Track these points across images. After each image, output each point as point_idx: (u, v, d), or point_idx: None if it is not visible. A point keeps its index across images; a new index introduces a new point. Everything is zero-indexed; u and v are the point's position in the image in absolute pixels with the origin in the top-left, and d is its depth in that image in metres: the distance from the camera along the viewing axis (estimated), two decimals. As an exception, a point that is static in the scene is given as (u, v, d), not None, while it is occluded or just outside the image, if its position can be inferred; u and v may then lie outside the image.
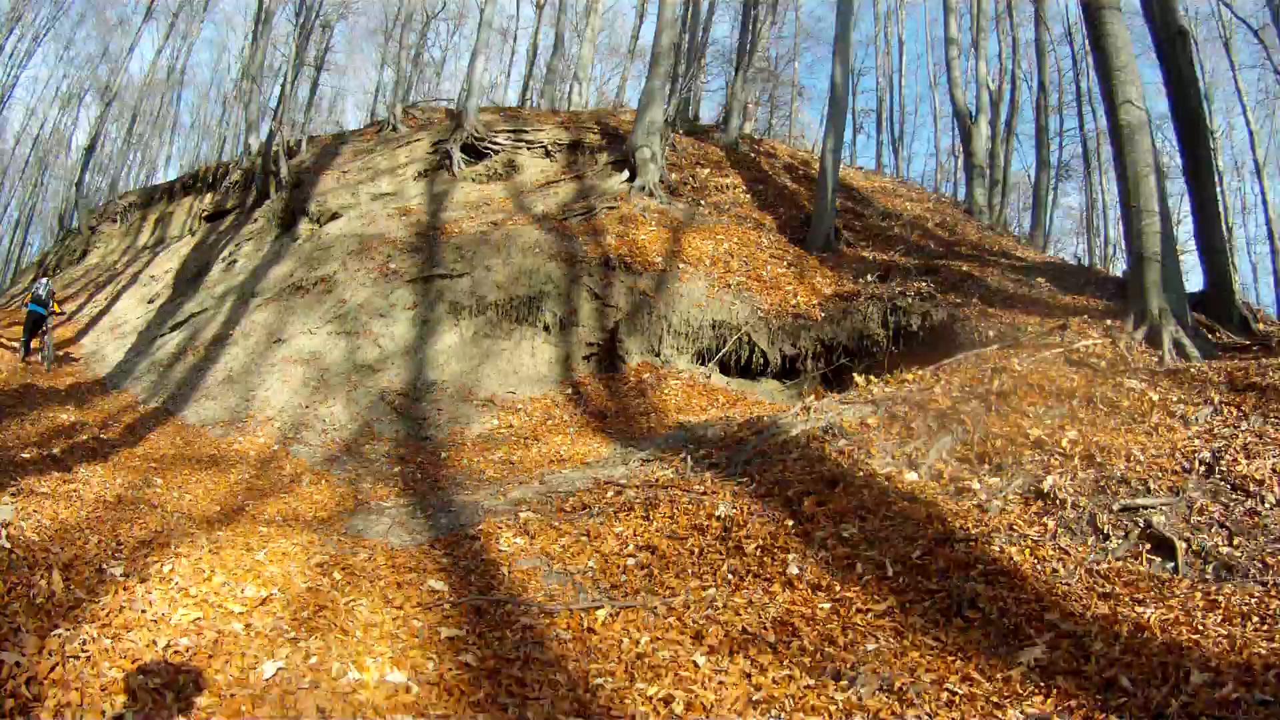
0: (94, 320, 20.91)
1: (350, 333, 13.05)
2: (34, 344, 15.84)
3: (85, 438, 10.33)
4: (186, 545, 5.86)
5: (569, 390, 12.39)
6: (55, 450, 9.33)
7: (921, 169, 56.72)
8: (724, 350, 12.63)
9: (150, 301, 20.37)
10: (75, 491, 7.77)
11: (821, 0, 41.84)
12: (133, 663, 4.07)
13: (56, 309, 16.50)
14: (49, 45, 60.63)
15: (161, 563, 5.41)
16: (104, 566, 5.26)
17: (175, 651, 4.28)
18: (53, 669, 3.87)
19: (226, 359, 13.70)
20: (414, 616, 5.24)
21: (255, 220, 19.94)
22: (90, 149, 36.03)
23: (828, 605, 5.10)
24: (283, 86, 25.34)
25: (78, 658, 4.01)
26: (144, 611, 4.65)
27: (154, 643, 4.32)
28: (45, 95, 69.50)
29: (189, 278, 19.82)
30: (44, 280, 17.07)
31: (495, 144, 19.51)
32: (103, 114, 37.11)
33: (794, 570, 5.55)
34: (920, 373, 8.81)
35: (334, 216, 17.72)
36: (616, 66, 47.68)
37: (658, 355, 12.76)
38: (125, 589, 4.90)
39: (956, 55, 24.28)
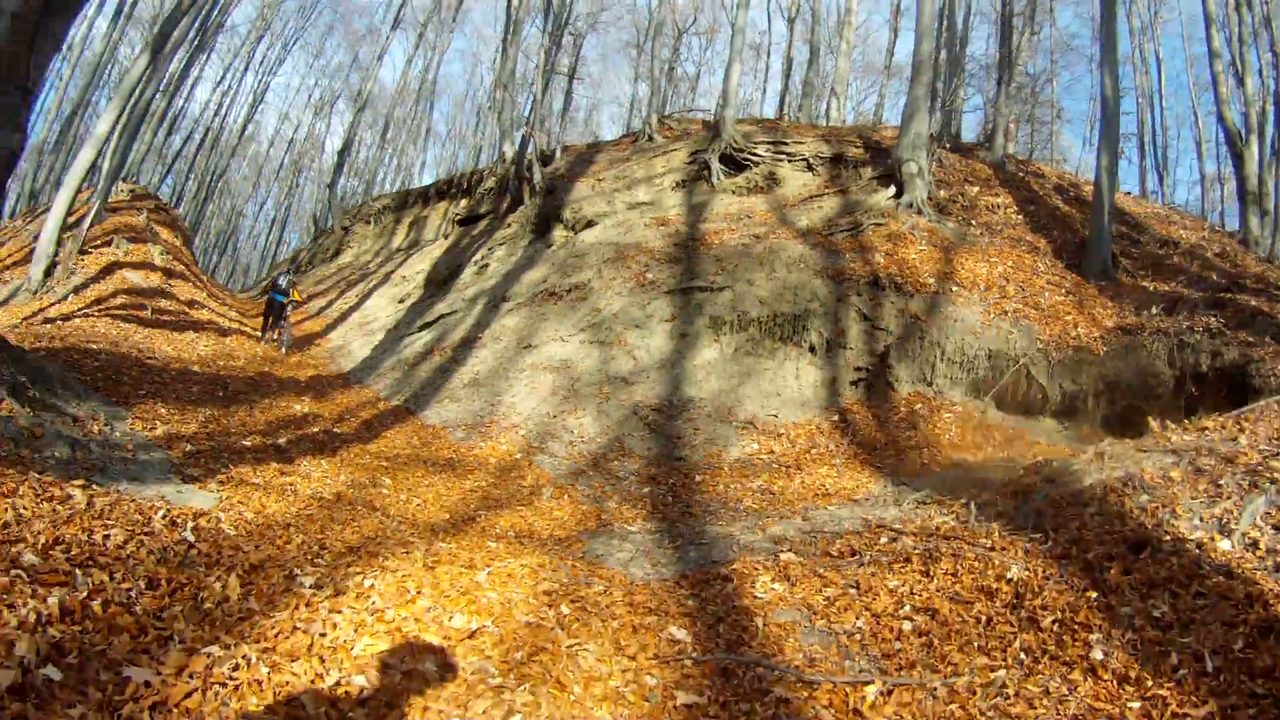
0: (343, 316, 23.31)
1: (604, 342, 13.94)
2: (273, 333, 18.55)
3: (316, 430, 11.21)
4: (398, 558, 5.80)
5: (834, 417, 12.60)
6: (281, 440, 10.00)
7: (1185, 197, 53.43)
8: (1001, 383, 12.46)
9: (400, 301, 22.40)
10: (291, 485, 8.19)
11: (1076, 15, 40.21)
12: (284, 702, 3.71)
13: (296, 297, 19.37)
14: (299, 54, 67.78)
15: (363, 575, 5.28)
16: (295, 573, 5.12)
17: (344, 692, 3.93)
18: (188, 696, 3.55)
19: (474, 362, 15.03)
20: (647, 671, 4.90)
21: (509, 225, 21.58)
22: (343, 152, 39.99)
23: (1137, 704, 4.47)
24: (535, 93, 27.21)
25: (223, 685, 3.69)
26: (322, 636, 4.37)
27: (320, 677, 4.00)
28: (298, 102, 77.56)
29: (440, 280, 21.67)
30: (285, 271, 20.37)
31: (754, 156, 20.11)
32: (355, 119, 41.05)
33: (1098, 655, 4.92)
34: (1220, 420, 8.26)
35: (589, 224, 18.93)
36: (872, 84, 48.00)
37: (929, 384, 12.77)
38: (309, 605, 4.68)
39: (1221, 70, 22.57)
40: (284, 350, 17.79)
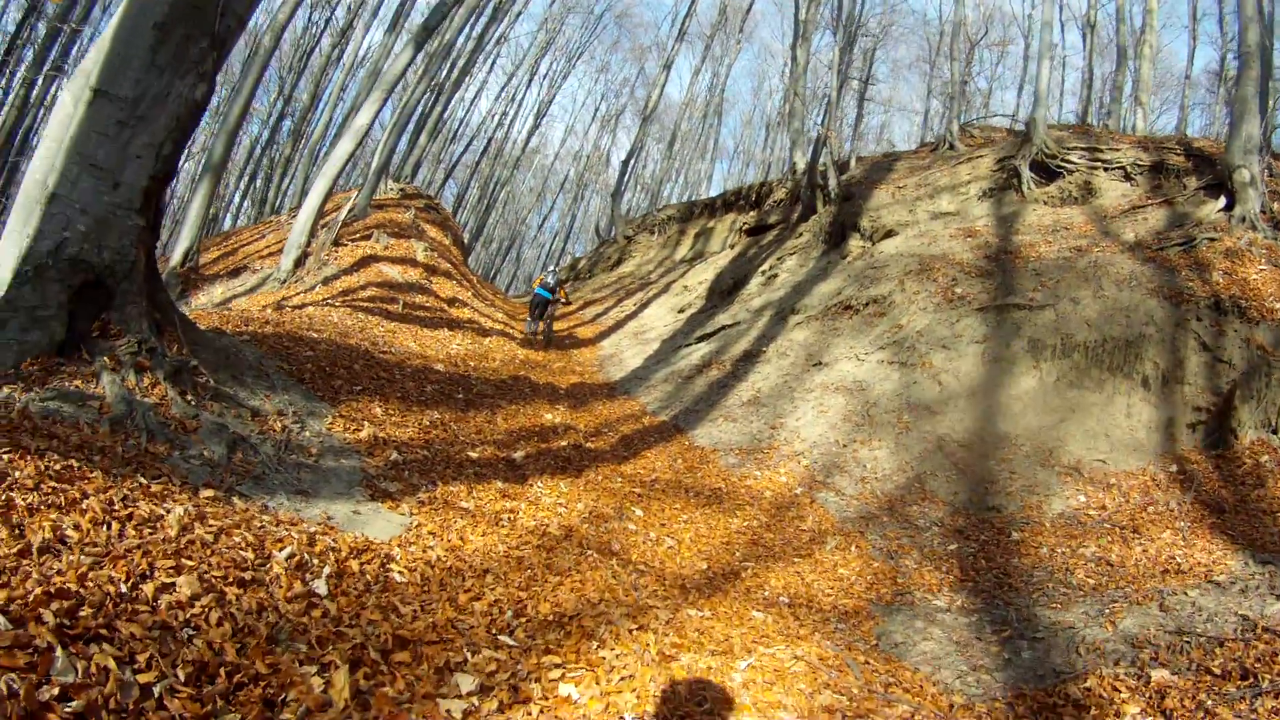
0: (618, 324, 23.24)
1: (905, 364, 12.72)
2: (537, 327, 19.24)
3: (564, 444, 10.24)
4: (622, 642, 4.48)
5: (1171, 466, 10.69)
6: (517, 453, 9.08)
7: None
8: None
9: (680, 311, 22.06)
10: (511, 513, 6.92)
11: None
12: None
13: (562, 295, 20.09)
14: (584, 68, 70.08)
15: (561, 671, 3.97)
16: (456, 663, 3.80)
17: None
18: None
19: (755, 378, 14.17)
20: None
21: (799, 235, 20.74)
22: (628, 161, 40.84)
23: None
24: (828, 96, 26.25)
25: None
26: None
27: None
28: (583, 116, 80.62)
29: (724, 290, 21.13)
30: (553, 268, 20.69)
31: (1067, 163, 18.18)
32: (640, 132, 41.69)
33: None
34: None
35: (888, 234, 17.73)
36: (1168, 99, 44.19)
37: (1275, 432, 10.69)
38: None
39: None
40: (548, 346, 18.91)
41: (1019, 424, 11.26)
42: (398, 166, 33.54)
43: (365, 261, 18.21)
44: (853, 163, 24.82)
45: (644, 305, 24.91)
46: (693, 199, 40.14)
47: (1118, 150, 18.35)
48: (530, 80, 54.16)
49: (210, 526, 4.12)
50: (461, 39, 36.09)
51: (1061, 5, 38.68)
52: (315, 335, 10.77)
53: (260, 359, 8.32)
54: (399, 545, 5.29)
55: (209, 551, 3.83)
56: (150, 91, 6.00)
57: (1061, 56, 42.16)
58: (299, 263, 16.79)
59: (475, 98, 51.12)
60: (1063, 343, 12.09)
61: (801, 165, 26.73)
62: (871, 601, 7.14)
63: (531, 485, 7.98)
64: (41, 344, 5.62)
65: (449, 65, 34.95)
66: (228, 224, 44.59)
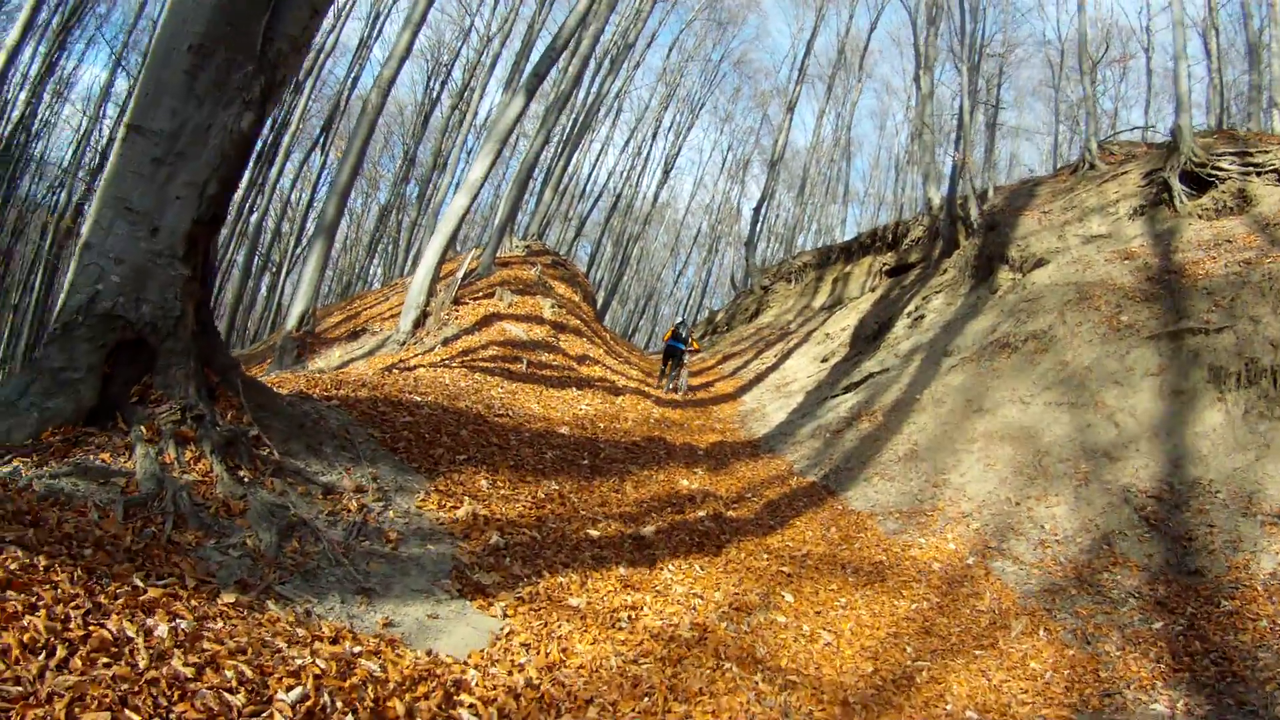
0: (759, 377, 22.75)
1: (1075, 404, 11.87)
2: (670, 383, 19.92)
3: (702, 514, 9.53)
4: None
5: (1401, 506, 9.66)
6: (646, 529, 8.30)
7: None
8: None
9: (823, 360, 21.51)
10: (632, 609, 6.08)
11: None
12: None
13: (695, 345, 20.55)
14: (708, 119, 70.81)
15: None
16: None
17: None
18: None
19: (910, 429, 13.50)
20: None
21: (944, 271, 20.00)
22: (759, 208, 40.69)
23: None
24: (960, 117, 25.42)
25: None
26: None
27: None
28: (711, 167, 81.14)
29: (868, 335, 20.51)
30: (682, 318, 22.20)
31: (1219, 171, 16.95)
32: (769, 179, 41.41)
33: None
34: None
35: (1039, 263, 16.85)
36: None
37: None
38: None
39: None
40: (679, 394, 19.50)
41: (1210, 466, 10.22)
42: (525, 225, 34.08)
43: (487, 320, 17.88)
44: (990, 192, 24.01)
45: (785, 356, 24.39)
46: (828, 244, 39.43)
47: (1269, 152, 17.08)
48: (655, 134, 54.97)
49: (203, 652, 3.19)
50: (583, 92, 36.81)
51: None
52: (418, 399, 10.12)
53: (346, 426, 7.64)
54: (478, 665, 4.49)
55: (177, 694, 2.86)
56: (190, 124, 5.50)
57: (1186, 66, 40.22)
58: (418, 323, 16.71)
59: (601, 152, 52.02)
60: (1247, 369, 11.05)
61: (937, 200, 25.97)
62: (1076, 708, 6.09)
63: (661, 569, 7.24)
64: (67, 411, 5.06)
65: (570, 118, 35.55)
66: (357, 289, 46.20)
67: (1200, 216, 16.28)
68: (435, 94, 44.37)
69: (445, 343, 16.10)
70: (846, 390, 17.18)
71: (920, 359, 16.10)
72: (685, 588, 6.98)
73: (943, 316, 17.82)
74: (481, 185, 17.66)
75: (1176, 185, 17.01)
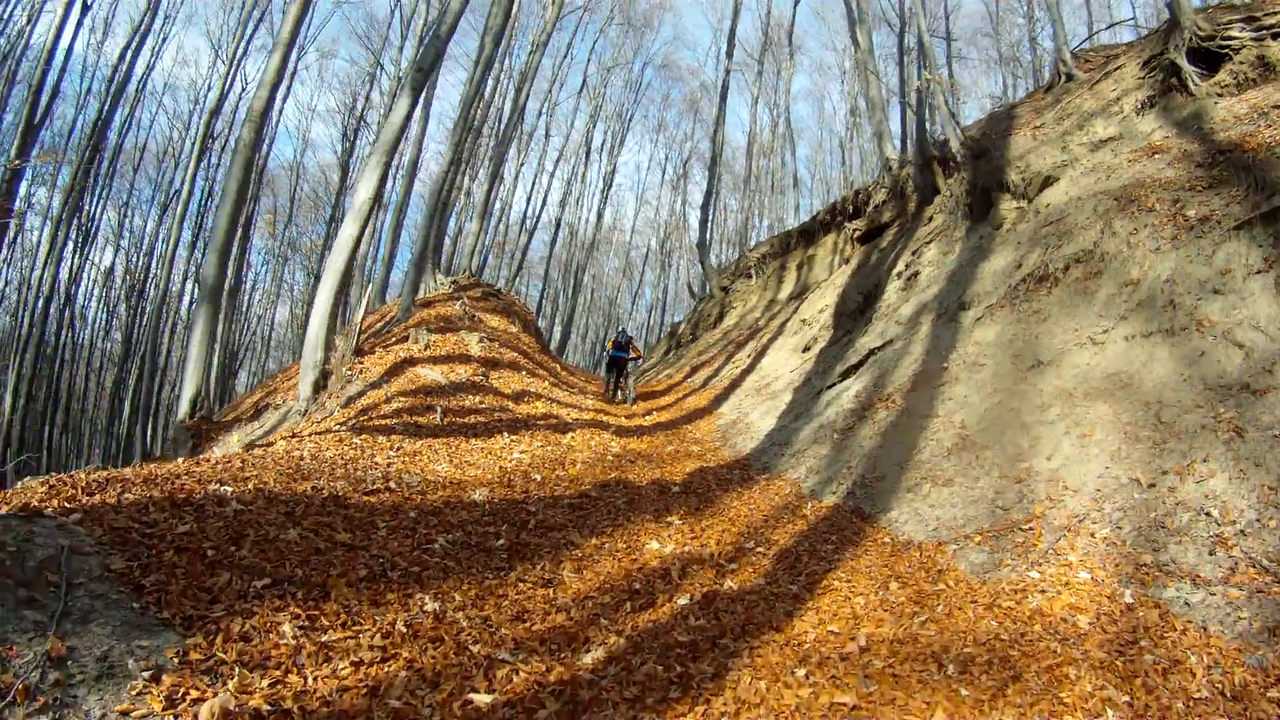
0: (734, 383, 19.56)
1: (1169, 331, 8.52)
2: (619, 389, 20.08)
3: (683, 603, 6.13)
4: None
5: None
6: (587, 656, 5.10)
7: None
8: None
9: (805, 350, 18.30)
10: None
11: None
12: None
13: (636, 353, 20.52)
14: (640, 129, 68.38)
15: None
16: None
17: None
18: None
19: (948, 408, 10.17)
20: None
21: (928, 220, 16.84)
22: (705, 208, 37.66)
23: None
24: (919, 39, 22.46)
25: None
26: None
27: None
28: (652, 181, 78.62)
29: (853, 310, 17.30)
30: (623, 329, 21.03)
31: (1230, 40, 13.96)
32: (712, 177, 38.32)
33: None
34: None
35: (1047, 182, 13.64)
36: None
37: None
38: None
39: None
40: (629, 404, 19.42)
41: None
42: (456, 262, 30.93)
43: (399, 367, 14.44)
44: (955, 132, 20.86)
45: (760, 354, 21.11)
46: (785, 231, 36.32)
47: (1277, 13, 14.11)
48: (588, 154, 52.01)
49: None
50: (502, 100, 33.77)
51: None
52: (228, 490, 6.63)
53: (59, 559, 4.35)
54: None
55: None
56: None
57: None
58: (318, 386, 13.48)
59: (535, 179, 49.27)
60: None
61: (894, 158, 23.09)
62: None
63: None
64: None
65: (492, 135, 32.70)
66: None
67: (1221, 95, 13.21)
68: (350, 144, 41.24)
69: (348, 403, 12.72)
70: (845, 376, 13.88)
71: (930, 320, 12.81)
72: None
73: (942, 269, 14.54)
74: (372, 208, 14.36)
75: (1186, 65, 13.95)
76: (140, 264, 38.12)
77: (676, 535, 8.19)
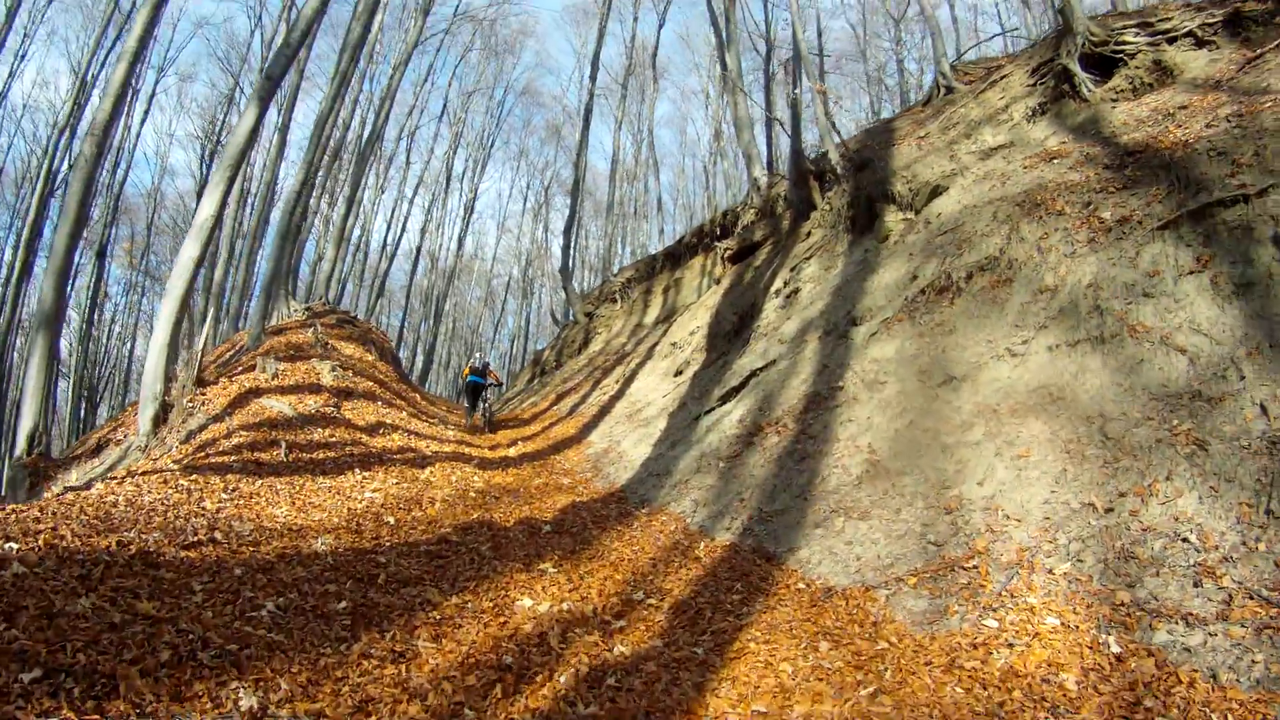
0: (603, 410, 18.21)
1: (1098, 338, 7.51)
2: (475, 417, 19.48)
3: (565, 681, 4.81)
4: None
5: None
6: None
7: None
8: None
9: (678, 374, 17.15)
10: None
11: None
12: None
13: (494, 378, 20.19)
14: (501, 156, 67.50)
15: None
16: None
17: None
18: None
19: (851, 430, 9.01)
20: None
21: (806, 236, 15.90)
22: (568, 232, 36.54)
23: None
24: (795, 47, 21.81)
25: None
26: None
27: None
28: (514, 209, 77.41)
29: (727, 331, 16.23)
30: (478, 354, 20.64)
31: (1124, 45, 13.63)
32: (574, 200, 37.28)
33: None
34: None
35: (935, 192, 12.81)
36: None
37: None
38: None
39: None
40: (486, 427, 18.98)
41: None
42: (312, 289, 28.91)
43: (243, 399, 12.70)
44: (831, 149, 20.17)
45: (628, 379, 19.85)
46: (650, 254, 35.42)
47: (1171, 18, 13.84)
48: (448, 180, 50.30)
49: None
50: (363, 125, 32.08)
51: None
52: (13, 548, 5.22)
53: None
54: None
55: None
56: None
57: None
58: (158, 419, 11.66)
59: (395, 208, 47.57)
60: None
61: (763, 180, 22.41)
62: None
63: None
64: None
65: (349, 156, 31.13)
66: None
67: (1116, 100, 12.77)
68: (208, 169, 38.65)
69: (188, 438, 10.92)
70: (725, 399, 12.68)
71: (818, 338, 11.72)
72: None
73: (825, 284, 13.54)
74: (214, 228, 12.62)
75: (1079, 71, 13.49)
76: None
77: (552, 587, 6.78)
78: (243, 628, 4.78)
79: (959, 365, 8.56)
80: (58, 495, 7.89)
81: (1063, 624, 4.91)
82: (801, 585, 6.62)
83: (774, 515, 8.17)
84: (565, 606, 6.21)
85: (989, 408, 7.64)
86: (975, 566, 5.90)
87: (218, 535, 6.64)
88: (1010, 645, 4.90)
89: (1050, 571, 5.48)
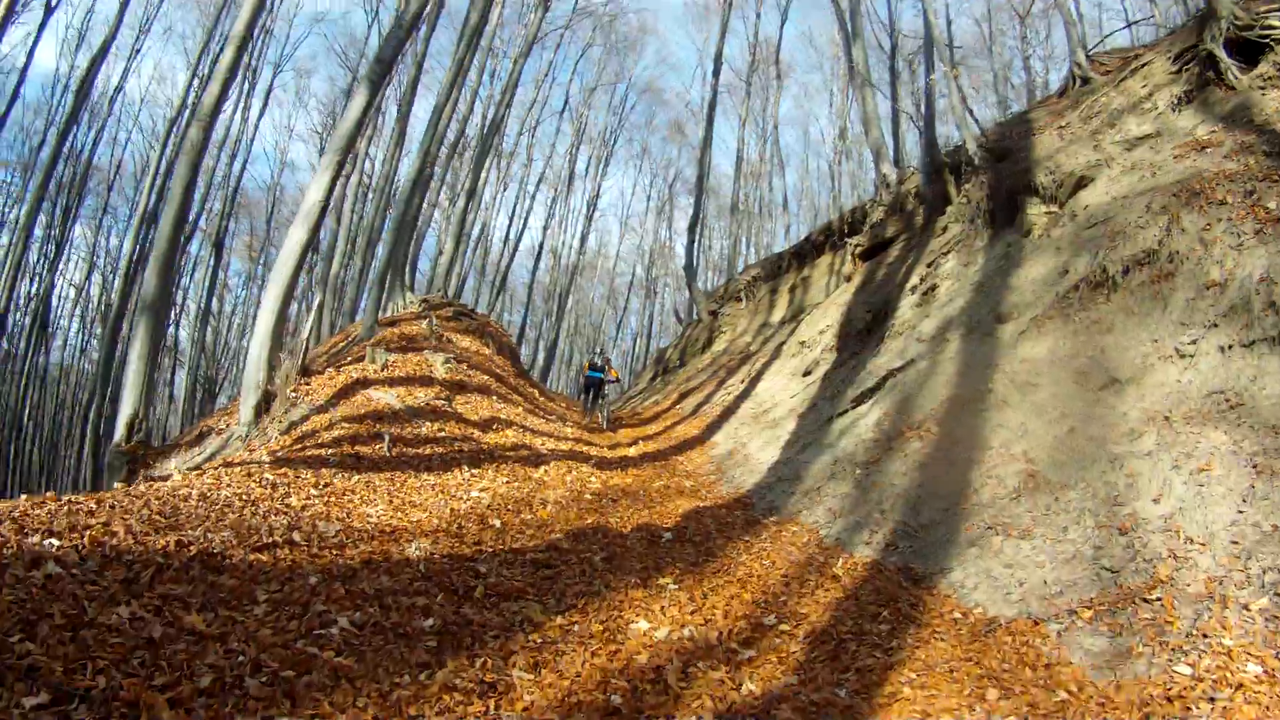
0: (728, 410, 18.01)
1: (1274, 337, 6.95)
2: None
3: None
4: None
5: None
6: None
7: None
8: None
9: (806, 374, 16.86)
10: None
11: None
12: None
13: (614, 375, 20.60)
14: (624, 154, 67.79)
15: None
16: None
17: None
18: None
19: (1002, 437, 8.62)
20: None
21: (940, 231, 15.41)
22: (692, 230, 36.39)
23: None
24: (927, 33, 21.29)
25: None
26: None
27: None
28: (636, 207, 78.07)
29: (859, 330, 15.88)
30: (598, 349, 21.58)
31: (1270, 30, 12.82)
32: (698, 199, 37.00)
33: None
34: None
35: (1081, 184, 12.27)
36: None
37: None
38: None
39: None
40: (605, 426, 19.13)
41: None
42: (430, 282, 29.46)
43: (349, 389, 12.66)
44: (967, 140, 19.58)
45: (754, 379, 19.60)
46: (776, 253, 34.99)
47: (1316, 1, 13.00)
48: (570, 178, 50.97)
49: None
50: (483, 119, 32.63)
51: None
52: (54, 544, 4.74)
53: None
54: None
55: None
56: None
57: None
58: (260, 409, 11.89)
59: (517, 202, 48.06)
60: None
61: (892, 175, 21.90)
62: None
63: None
64: None
65: (473, 149, 31.72)
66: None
67: (1264, 87, 11.96)
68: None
69: (289, 428, 11.15)
70: (859, 401, 12.39)
71: (960, 336, 11.34)
72: None
73: (964, 281, 13.10)
74: (323, 211, 12.90)
75: (1225, 57, 12.73)
76: (116, 283, 36.65)
77: (671, 608, 6.35)
78: (306, 648, 4.37)
79: (1122, 367, 8.13)
80: (128, 486, 7.78)
81: (1266, 672, 4.39)
82: (958, 614, 6.23)
83: (920, 530, 7.88)
84: (686, 632, 5.77)
85: (1159, 414, 7.20)
86: (1159, 599, 5.37)
87: (297, 536, 6.38)
88: (1211, 700, 4.31)
89: (1245, 607, 4.93)
